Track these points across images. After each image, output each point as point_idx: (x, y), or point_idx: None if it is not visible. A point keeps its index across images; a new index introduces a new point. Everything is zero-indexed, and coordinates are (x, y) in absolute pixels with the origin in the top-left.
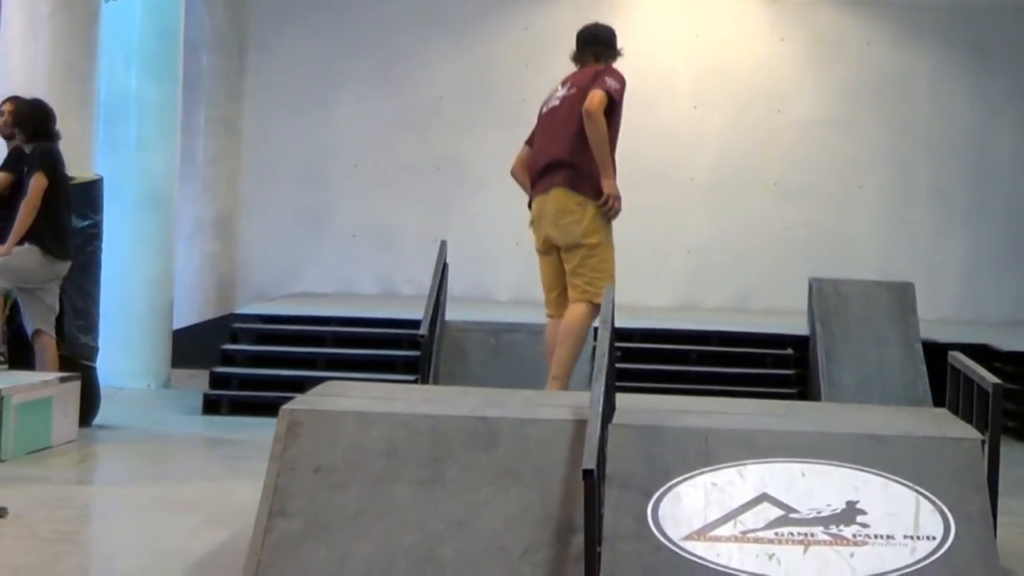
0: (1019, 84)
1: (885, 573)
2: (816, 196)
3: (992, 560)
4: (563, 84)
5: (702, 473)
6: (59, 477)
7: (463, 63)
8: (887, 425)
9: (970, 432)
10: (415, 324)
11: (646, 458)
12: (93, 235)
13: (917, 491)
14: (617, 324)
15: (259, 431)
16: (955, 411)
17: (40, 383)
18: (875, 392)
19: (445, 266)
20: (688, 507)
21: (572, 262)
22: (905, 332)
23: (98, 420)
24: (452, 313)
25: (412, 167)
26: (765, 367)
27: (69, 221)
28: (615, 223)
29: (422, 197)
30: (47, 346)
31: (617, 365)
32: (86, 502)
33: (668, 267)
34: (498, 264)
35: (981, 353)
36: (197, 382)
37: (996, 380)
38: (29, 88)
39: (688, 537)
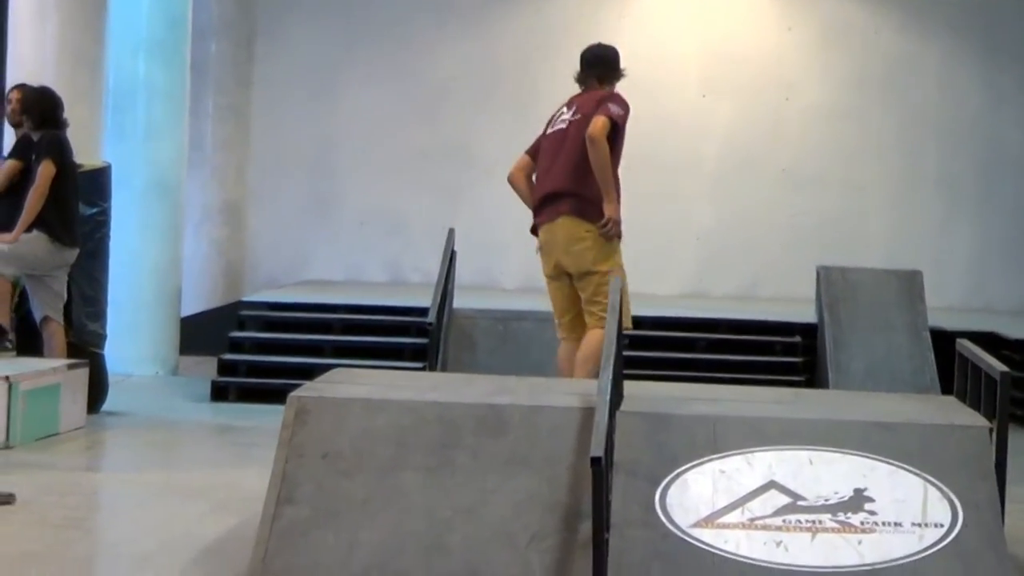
0: None
1: (893, 560)
2: (824, 184)
3: (1000, 547)
4: (568, 107)
5: (710, 460)
6: (67, 464)
7: (472, 50)
8: (895, 413)
9: (978, 420)
10: (423, 311)
11: (654, 445)
12: (101, 222)
13: (925, 478)
14: None
15: (267, 418)
16: (963, 399)
17: (48, 370)
18: (883, 380)
19: (453, 253)
20: (696, 494)
21: (587, 290)
22: (913, 320)
23: (106, 407)
24: (460, 300)
25: (420, 154)
26: (773, 355)
27: (77, 208)
28: (624, 211)
29: (430, 184)
30: (55, 333)
31: (625, 353)
32: (94, 489)
33: (676, 255)
34: (506, 251)
35: (989, 341)
36: (205, 369)
37: (1004, 368)
38: (37, 75)
39: (696, 524)
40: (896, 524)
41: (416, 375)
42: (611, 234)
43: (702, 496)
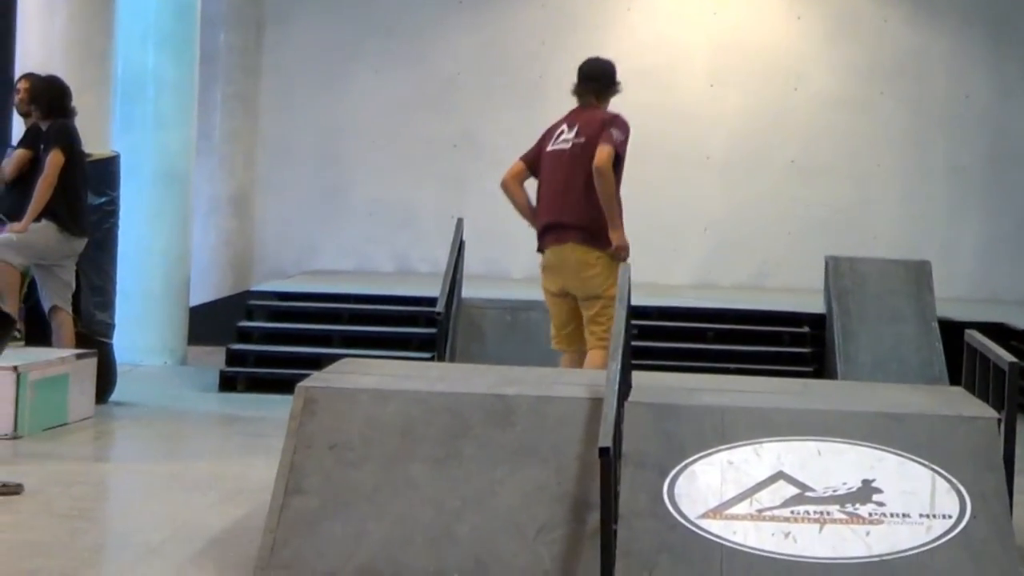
0: None
1: (901, 551)
2: (833, 174)
3: (1008, 539)
4: (569, 124)
5: (718, 451)
6: (75, 454)
7: (480, 40)
8: (903, 403)
9: (986, 411)
10: (431, 301)
11: (662, 436)
12: (110, 212)
13: (933, 470)
14: (633, 302)
15: (275, 408)
16: (971, 389)
17: (57, 360)
18: (891, 370)
19: (462, 243)
20: (704, 485)
21: (591, 310)
22: (921, 310)
23: (114, 397)
24: (468, 291)
25: (429, 144)
26: (781, 345)
27: (86, 198)
28: (630, 204)
29: (439, 174)
30: (63, 323)
31: (633, 343)
32: (102, 479)
33: (685, 245)
34: (515, 241)
35: (997, 331)
36: (213, 359)
37: (1012, 359)
38: (46, 65)
39: (704, 515)
40: (904, 515)
41: (424, 365)
42: (620, 259)
43: (710, 487)
